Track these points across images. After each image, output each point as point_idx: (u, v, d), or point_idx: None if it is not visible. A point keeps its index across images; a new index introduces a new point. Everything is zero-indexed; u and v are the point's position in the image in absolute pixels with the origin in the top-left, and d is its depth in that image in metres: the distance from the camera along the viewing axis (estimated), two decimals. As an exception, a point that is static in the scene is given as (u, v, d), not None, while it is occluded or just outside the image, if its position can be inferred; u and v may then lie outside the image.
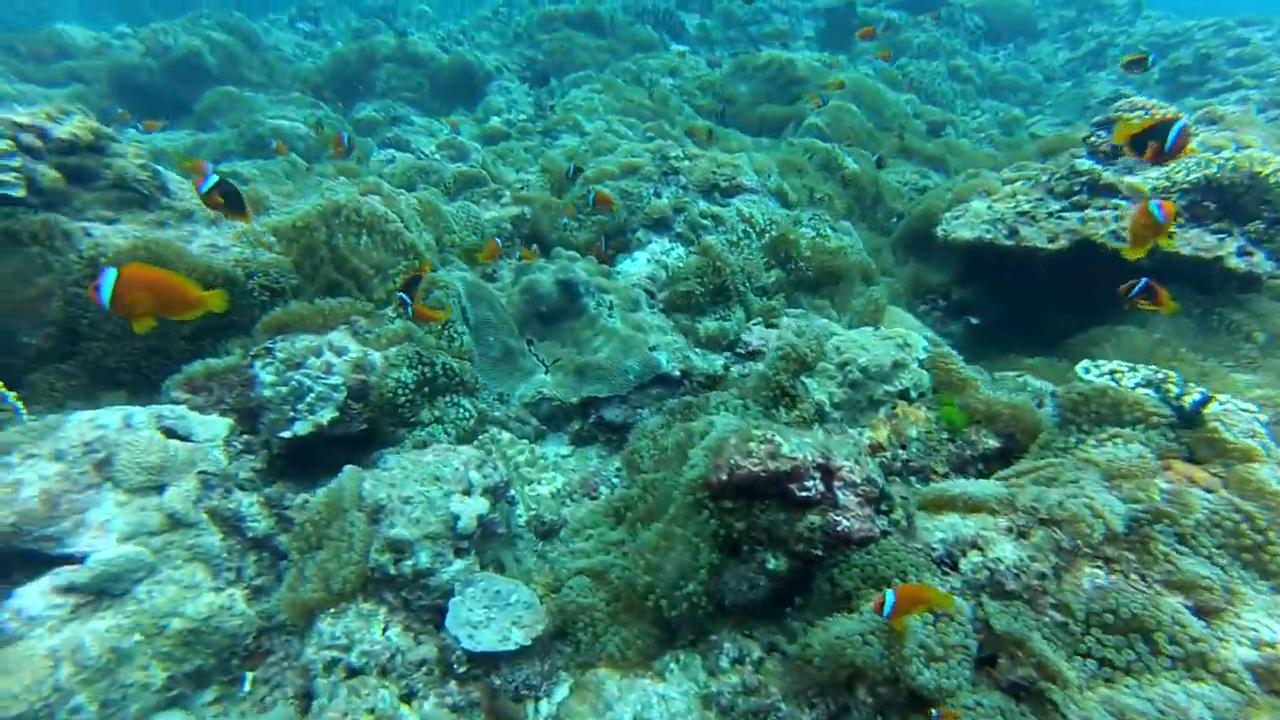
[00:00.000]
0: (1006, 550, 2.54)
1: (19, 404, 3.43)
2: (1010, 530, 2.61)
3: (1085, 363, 3.59)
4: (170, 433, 3.43)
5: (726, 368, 4.64)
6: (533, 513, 3.80)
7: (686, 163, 6.09)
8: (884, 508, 2.67)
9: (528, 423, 4.45)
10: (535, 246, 5.60)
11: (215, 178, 3.84)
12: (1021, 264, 5.55)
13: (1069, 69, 15.73)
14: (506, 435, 4.16)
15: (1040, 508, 2.62)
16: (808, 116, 10.72)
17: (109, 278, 2.68)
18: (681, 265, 5.36)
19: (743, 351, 4.76)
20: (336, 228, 4.48)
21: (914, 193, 8.54)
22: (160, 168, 4.78)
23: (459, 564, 3.11)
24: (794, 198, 7.06)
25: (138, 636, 2.93)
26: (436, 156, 6.67)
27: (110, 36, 15.09)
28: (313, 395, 3.63)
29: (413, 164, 6.51)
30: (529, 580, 3.41)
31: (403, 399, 3.85)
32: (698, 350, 4.75)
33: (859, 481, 2.65)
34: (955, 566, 2.61)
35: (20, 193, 3.90)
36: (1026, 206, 5.31)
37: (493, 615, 3.07)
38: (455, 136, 7.12)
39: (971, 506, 2.64)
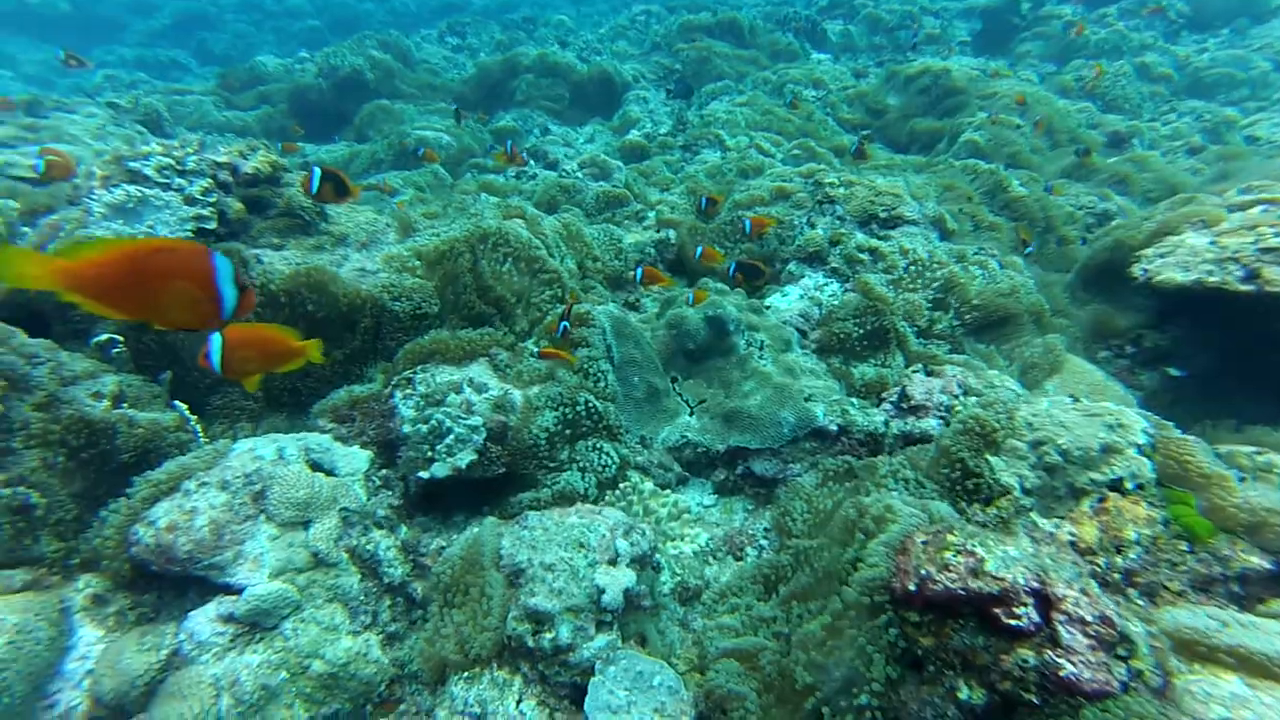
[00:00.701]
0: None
1: (199, 427, 3.53)
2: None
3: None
4: (316, 466, 3.42)
5: (887, 423, 4.16)
6: (677, 578, 3.51)
7: (842, 190, 5.62)
8: (1122, 652, 2.16)
9: (670, 469, 4.17)
10: (690, 285, 5.33)
11: (319, 170, 3.91)
12: (1260, 311, 4.67)
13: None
14: (649, 484, 3.91)
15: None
16: (964, 132, 9.88)
17: (216, 344, 2.55)
18: (837, 303, 4.92)
19: (904, 405, 4.26)
20: (482, 254, 4.40)
21: (1091, 218, 7.60)
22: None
23: (601, 640, 2.87)
24: (954, 226, 6.41)
25: (284, 674, 2.90)
26: (579, 175, 6.57)
27: (294, 62, 16.36)
28: (452, 437, 3.51)
29: (555, 182, 6.43)
30: (672, 656, 3.12)
31: (543, 443, 3.67)
32: (855, 401, 4.30)
33: (1089, 619, 2.16)
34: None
35: (214, 225, 4.06)
36: (1275, 241, 4.45)
37: (634, 699, 2.80)
38: (599, 155, 7.01)
39: (1257, 668, 2.07)
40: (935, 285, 5.15)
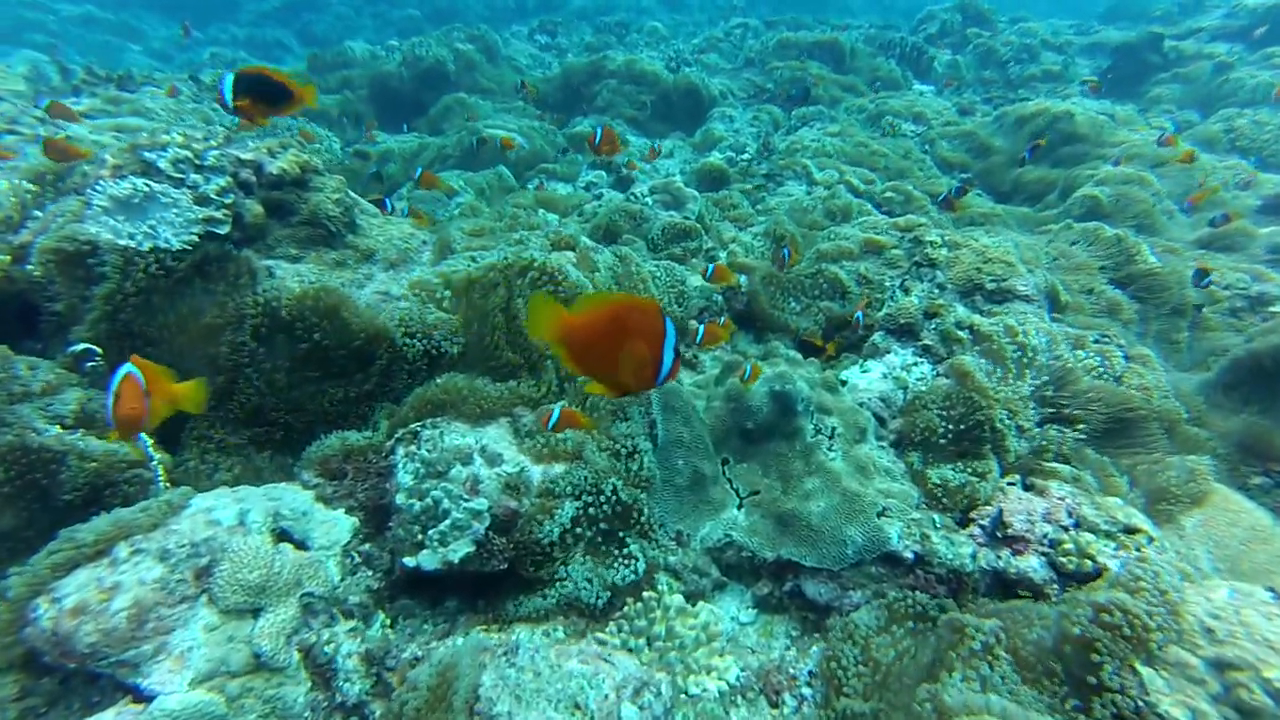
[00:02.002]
0: None
1: (160, 469, 3.04)
2: None
3: None
4: (285, 536, 2.87)
5: (975, 555, 3.37)
6: (696, 736, 2.83)
7: (945, 252, 4.83)
8: None
9: (706, 574, 3.49)
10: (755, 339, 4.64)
11: (231, 75, 2.86)
12: None
13: None
14: (677, 598, 3.23)
15: None
16: (1082, 185, 8.84)
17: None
18: (925, 389, 4.14)
19: (998, 533, 3.45)
20: (519, 290, 3.81)
21: (1241, 301, 6.52)
22: (357, 199, 4.40)
23: (586, 837, 2.22)
24: (1067, 299, 5.52)
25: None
26: (649, 200, 5.96)
27: (381, 49, 16.35)
28: (449, 522, 2.92)
29: (621, 206, 5.82)
30: None
31: (556, 541, 3.05)
32: (937, 519, 3.52)
33: None
34: None
35: (226, 229, 3.60)
36: None
37: None
38: (674, 180, 6.37)
39: None
40: (1043, 374, 4.31)
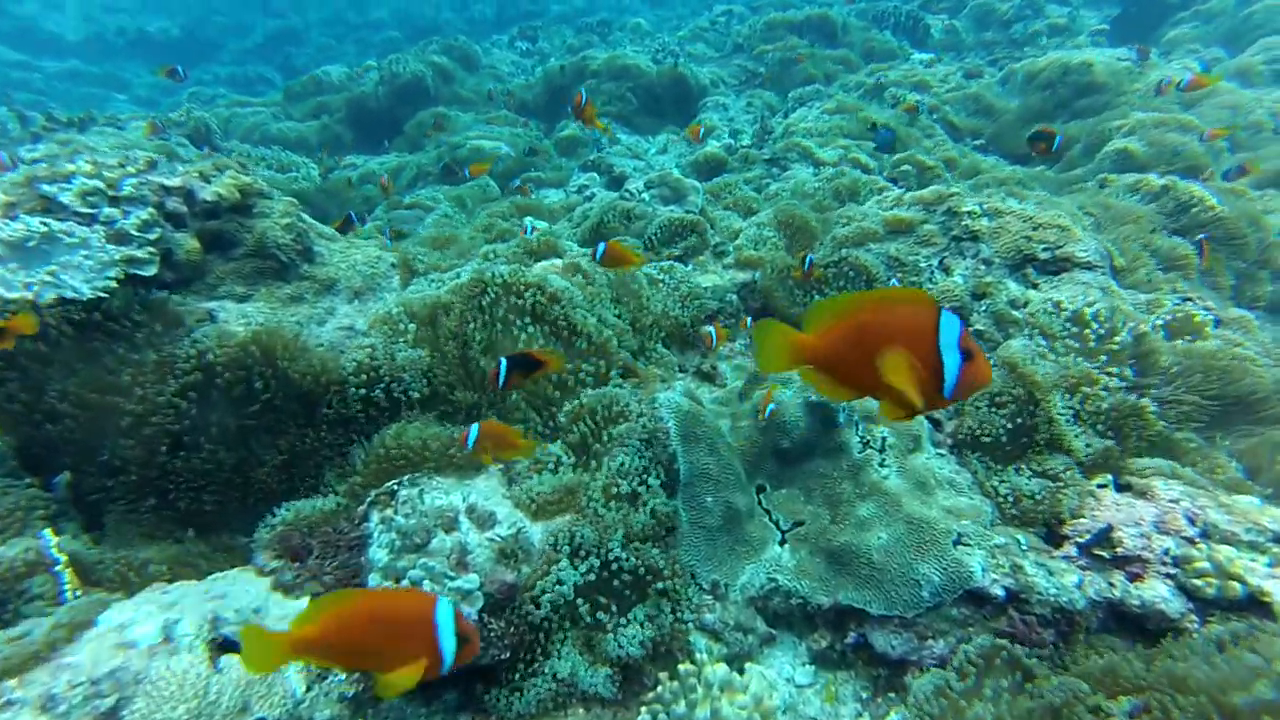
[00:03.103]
0: None
1: (66, 572, 2.49)
2: None
3: None
4: (230, 646, 2.32)
5: (1081, 584, 2.77)
6: None
7: (986, 222, 4.22)
8: None
9: (751, 630, 2.91)
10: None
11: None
12: None
13: None
14: (719, 668, 2.65)
15: None
16: (1111, 138, 8.17)
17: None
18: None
19: (1101, 551, 2.84)
20: (472, 317, 3.24)
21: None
22: (312, 223, 3.86)
23: None
24: (1122, 262, 4.88)
25: None
26: (645, 196, 5.40)
27: (360, 70, 15.90)
28: (433, 607, 2.35)
29: (612, 204, 5.25)
30: None
31: (557, 618, 2.48)
32: (1025, 545, 2.91)
33: None
34: None
35: (153, 270, 3.06)
36: None
37: None
38: (671, 172, 5.81)
39: None
40: (1118, 354, 3.69)
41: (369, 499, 2.80)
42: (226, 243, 3.40)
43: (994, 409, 3.44)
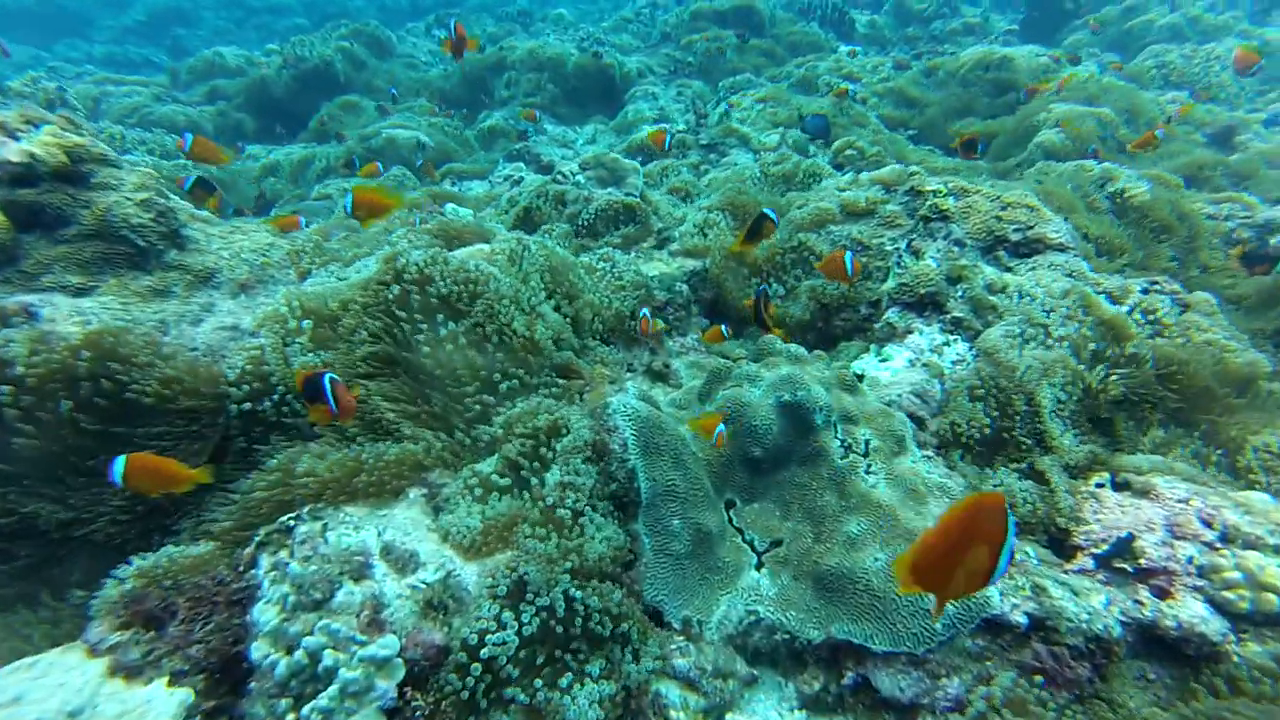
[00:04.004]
0: None
1: None
2: None
3: None
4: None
5: (1109, 604, 2.44)
6: None
7: (953, 202, 3.93)
8: None
9: (731, 673, 2.46)
10: (727, 328, 3.62)
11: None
12: None
13: None
14: (698, 730, 2.19)
15: None
16: (1041, 129, 8.21)
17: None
18: (968, 375, 3.23)
19: (1124, 564, 2.53)
20: (413, 305, 2.68)
21: (1248, 231, 5.90)
22: (183, 203, 3.19)
23: None
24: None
25: None
26: (580, 178, 4.90)
27: (260, 55, 14.67)
28: (336, 687, 1.79)
29: (541, 187, 4.72)
30: None
31: (497, 678, 1.96)
32: (1036, 558, 2.58)
33: None
34: None
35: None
36: None
37: None
38: (607, 153, 5.32)
39: None
40: (1092, 342, 3.45)
41: (257, 538, 2.21)
42: (51, 219, 2.70)
43: (976, 402, 3.12)
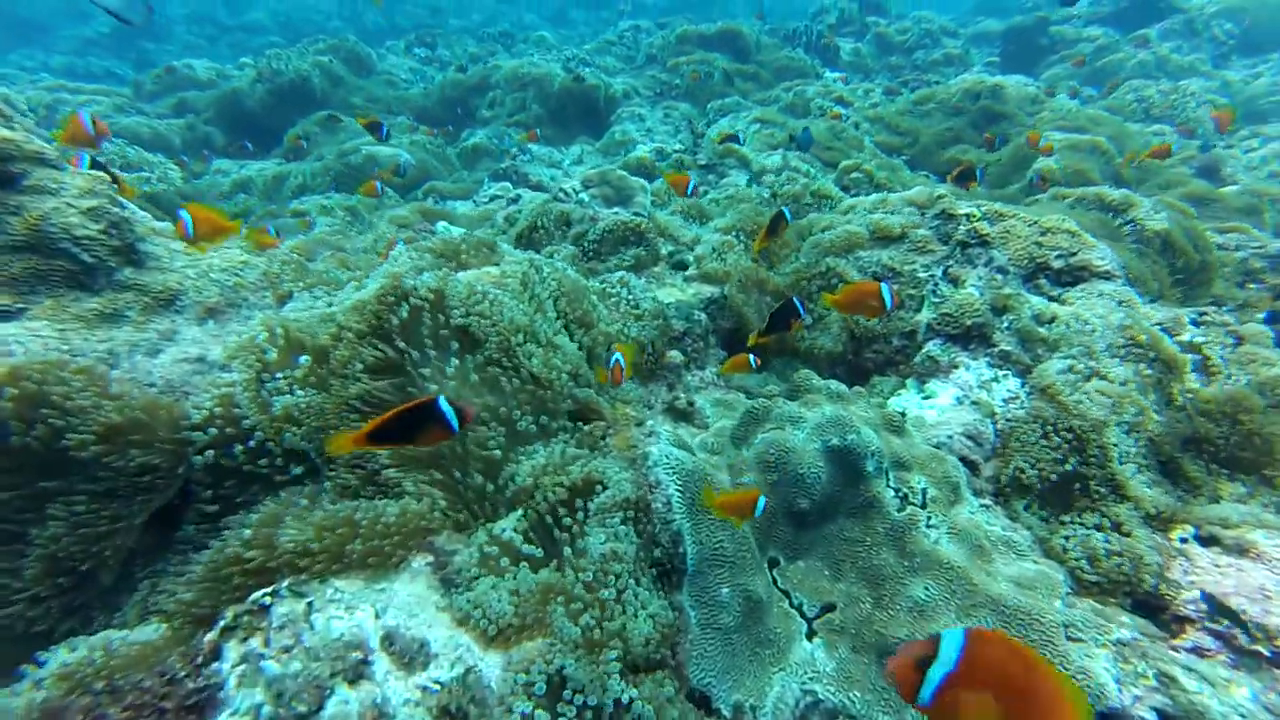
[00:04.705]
0: None
1: None
2: None
3: None
4: None
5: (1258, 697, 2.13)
6: None
7: (987, 225, 3.68)
8: None
9: (787, 772, 2.08)
10: (755, 358, 3.29)
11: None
12: None
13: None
14: None
15: None
16: (1037, 159, 8.14)
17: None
18: (1024, 415, 2.93)
19: (1254, 644, 2.22)
20: (420, 334, 2.30)
21: (1262, 261, 5.78)
22: (140, 214, 2.78)
23: None
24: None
25: None
26: (584, 196, 4.57)
27: (232, 68, 14.20)
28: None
29: (543, 206, 4.37)
30: None
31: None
32: (1129, 632, 2.26)
33: None
34: None
35: None
36: None
37: None
38: (612, 169, 5.02)
39: None
40: (1155, 380, 3.19)
41: (223, 621, 1.80)
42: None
43: (1039, 444, 2.83)
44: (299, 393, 2.16)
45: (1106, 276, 3.51)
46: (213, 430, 2.10)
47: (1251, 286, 5.86)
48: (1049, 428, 2.82)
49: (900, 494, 2.60)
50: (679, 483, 2.18)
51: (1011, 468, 2.79)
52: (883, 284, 2.97)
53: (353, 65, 13.75)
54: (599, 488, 2.06)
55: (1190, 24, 13.43)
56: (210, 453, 2.12)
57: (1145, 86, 11.54)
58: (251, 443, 2.10)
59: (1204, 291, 5.46)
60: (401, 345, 2.21)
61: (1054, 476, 2.73)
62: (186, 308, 2.59)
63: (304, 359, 2.20)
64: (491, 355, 2.27)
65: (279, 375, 2.25)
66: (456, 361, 2.24)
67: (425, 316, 2.20)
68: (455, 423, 1.67)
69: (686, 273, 3.95)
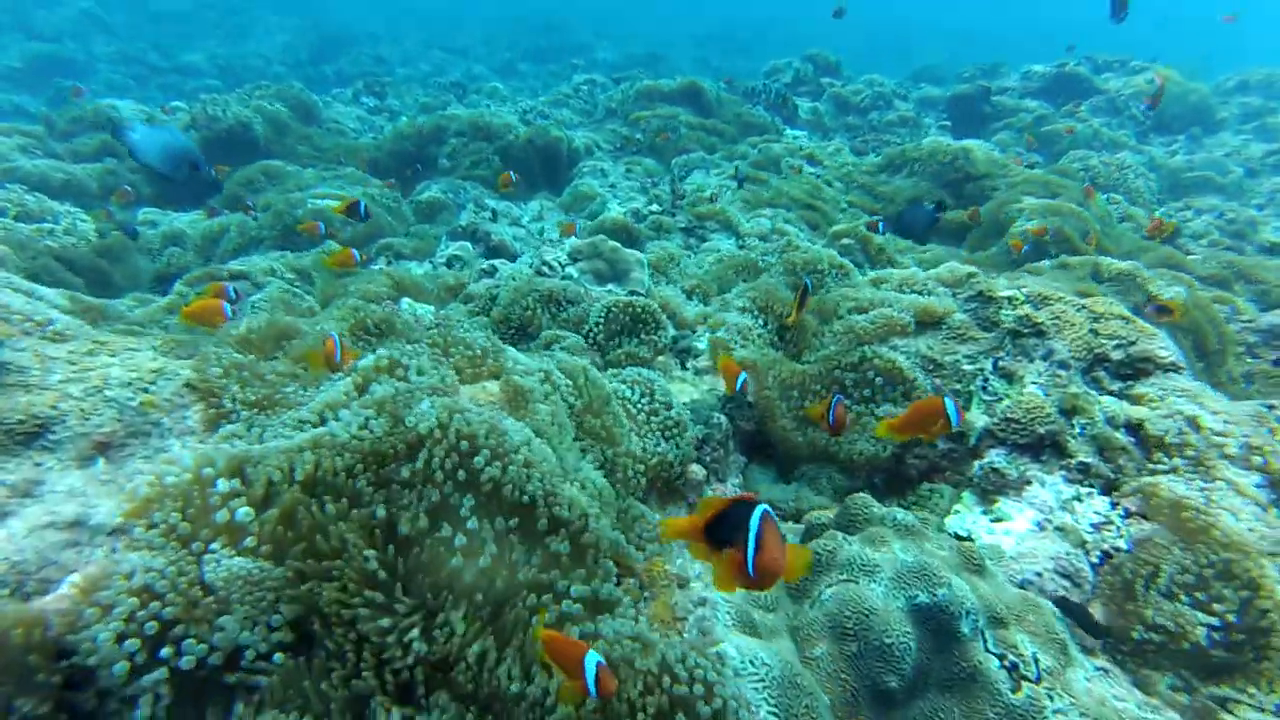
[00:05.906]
0: None
1: None
2: None
3: None
4: None
5: None
6: None
7: (1034, 311, 3.30)
8: None
9: None
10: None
11: None
12: None
13: (1275, 163, 12.78)
14: None
15: None
16: (1014, 220, 8.08)
17: None
18: (1126, 543, 2.49)
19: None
20: (432, 480, 1.71)
21: (1255, 336, 5.65)
22: (10, 303, 2.14)
23: None
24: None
25: None
26: (572, 270, 4.05)
27: (158, 110, 13.32)
28: None
29: (528, 284, 3.80)
30: None
31: None
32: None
33: None
34: None
35: None
36: None
37: None
38: (605, 240, 4.51)
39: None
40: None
41: None
42: None
43: (1180, 590, 2.37)
44: (243, 562, 1.53)
45: (1173, 369, 3.15)
46: (106, 647, 1.45)
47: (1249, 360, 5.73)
48: (1191, 571, 2.37)
49: (1009, 664, 2.09)
50: (771, 698, 1.62)
51: (1139, 620, 2.33)
52: (945, 398, 2.50)
53: (298, 112, 13.08)
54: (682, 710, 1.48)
55: (1112, 102, 14.09)
56: (113, 675, 1.46)
57: (1089, 156, 11.88)
58: (173, 659, 1.46)
59: (1221, 370, 5.27)
60: (410, 495, 1.61)
61: (1199, 638, 2.27)
62: (63, 441, 1.93)
63: (245, 512, 1.57)
64: (524, 505, 1.69)
65: (221, 546, 1.61)
66: (472, 521, 1.65)
67: (444, 461, 1.61)
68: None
69: (696, 362, 3.44)
